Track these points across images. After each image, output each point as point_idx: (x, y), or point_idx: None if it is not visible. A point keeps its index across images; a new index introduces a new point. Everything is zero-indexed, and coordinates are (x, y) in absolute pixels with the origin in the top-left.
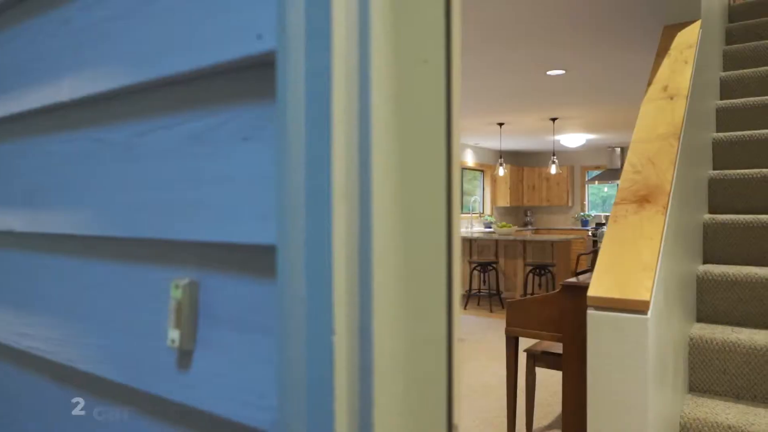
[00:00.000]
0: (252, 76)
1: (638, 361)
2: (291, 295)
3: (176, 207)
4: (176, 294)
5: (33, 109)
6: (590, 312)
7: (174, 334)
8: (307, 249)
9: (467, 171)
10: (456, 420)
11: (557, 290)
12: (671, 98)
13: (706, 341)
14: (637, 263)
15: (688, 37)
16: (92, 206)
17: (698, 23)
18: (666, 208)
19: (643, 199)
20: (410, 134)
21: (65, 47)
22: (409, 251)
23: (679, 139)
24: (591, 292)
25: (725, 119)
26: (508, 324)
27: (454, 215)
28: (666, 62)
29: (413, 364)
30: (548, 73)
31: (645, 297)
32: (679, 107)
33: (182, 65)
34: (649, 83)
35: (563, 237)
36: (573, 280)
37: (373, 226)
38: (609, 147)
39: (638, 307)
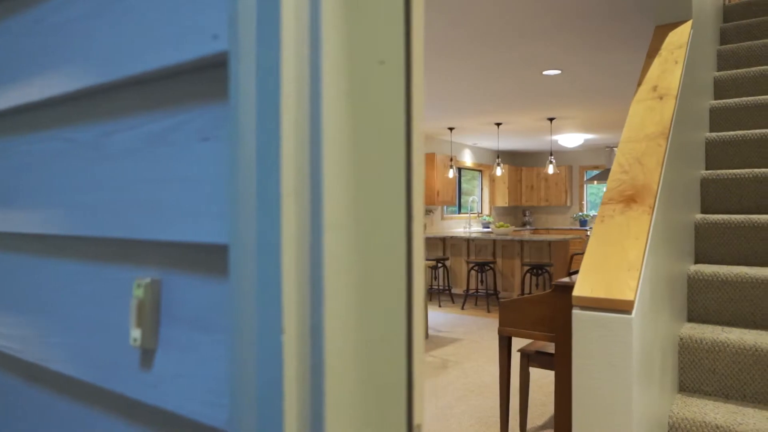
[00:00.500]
0: (210, 77)
1: (623, 360)
2: (242, 295)
3: (139, 207)
4: (138, 293)
5: (5, 109)
6: (575, 312)
7: (136, 333)
8: (257, 248)
9: (466, 171)
10: (418, 420)
11: (549, 290)
12: (660, 98)
13: (696, 341)
14: (622, 263)
15: (679, 37)
16: (61, 206)
17: (689, 23)
18: (652, 208)
19: (629, 199)
20: (366, 135)
21: (37, 47)
22: (364, 251)
23: (667, 139)
24: (576, 292)
25: (719, 119)
26: (501, 324)
27: (414, 215)
28: (656, 62)
29: (369, 363)
30: (544, 73)
31: (629, 297)
32: (668, 107)
33: (144, 65)
34: (639, 83)
35: (561, 237)
36: (565, 279)
37: (324, 226)
38: (607, 147)
39: (623, 307)
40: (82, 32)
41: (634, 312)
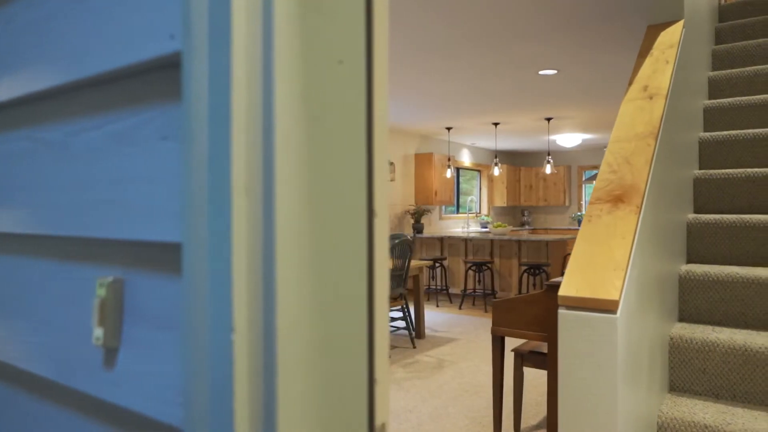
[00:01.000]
0: (169, 76)
1: (608, 360)
2: (194, 293)
3: (103, 206)
4: (101, 292)
5: None
6: (561, 311)
7: (98, 332)
8: (208, 246)
9: (464, 171)
10: (382, 419)
11: (542, 290)
12: (651, 98)
13: (686, 341)
14: (608, 263)
15: (671, 36)
16: (28, 205)
17: (681, 23)
18: (640, 208)
19: (617, 199)
20: (324, 134)
21: (7, 46)
22: (321, 250)
23: (656, 138)
24: (562, 292)
25: (713, 119)
26: (494, 324)
27: (377, 212)
28: (647, 62)
29: (327, 363)
30: (540, 72)
31: (614, 296)
32: (658, 107)
33: (106, 64)
34: (630, 83)
35: (558, 237)
36: (558, 279)
37: (276, 224)
38: (605, 147)
39: (608, 307)
40: (47, 32)
41: (619, 311)
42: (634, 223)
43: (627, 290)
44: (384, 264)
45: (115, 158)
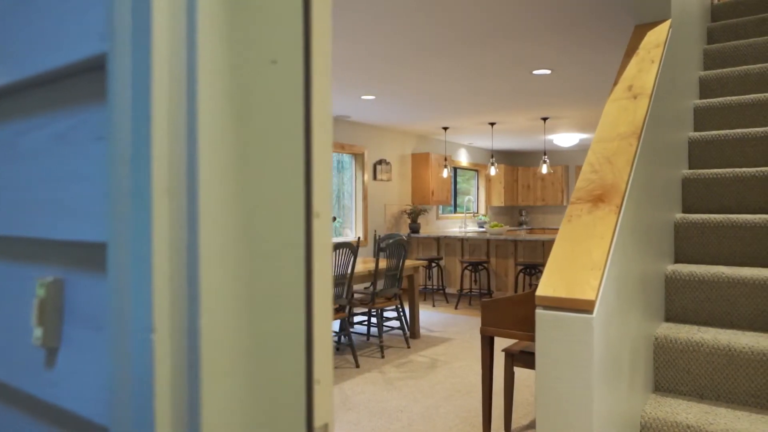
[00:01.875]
0: (102, 77)
1: (583, 360)
2: (117, 293)
3: (43, 206)
4: (40, 292)
5: None
6: (538, 311)
7: (38, 332)
8: (130, 246)
9: (462, 170)
10: (324, 420)
11: (530, 290)
12: (635, 97)
13: (671, 341)
14: (586, 263)
15: (657, 36)
16: None
17: (667, 23)
18: (620, 208)
19: (597, 199)
20: (255, 135)
21: None
22: (252, 251)
23: (639, 138)
24: (539, 292)
25: (704, 119)
26: (483, 324)
27: (317, 213)
28: (633, 61)
29: (258, 363)
30: (534, 72)
31: (590, 296)
32: (642, 106)
33: (44, 66)
34: (615, 82)
35: (555, 237)
36: None
37: (200, 225)
38: None
39: (584, 307)
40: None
41: (595, 311)
42: (614, 222)
43: (605, 290)
44: (325, 265)
45: (56, 158)
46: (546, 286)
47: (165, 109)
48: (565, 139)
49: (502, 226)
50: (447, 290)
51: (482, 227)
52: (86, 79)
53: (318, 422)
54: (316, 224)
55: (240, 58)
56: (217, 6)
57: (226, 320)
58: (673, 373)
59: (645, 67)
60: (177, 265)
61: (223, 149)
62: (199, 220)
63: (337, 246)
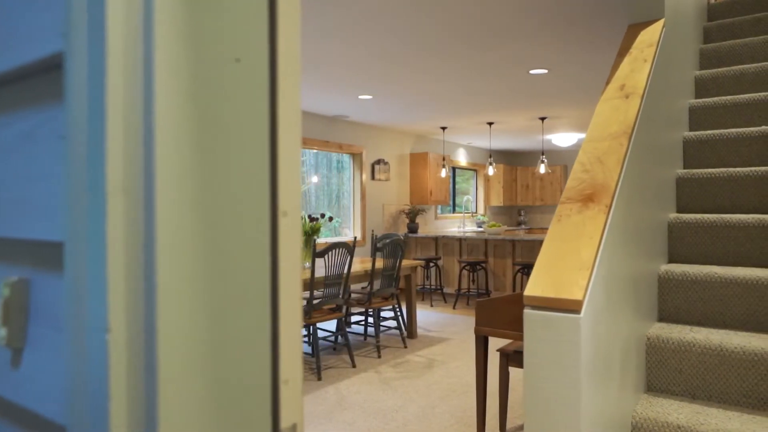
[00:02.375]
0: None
1: (571, 360)
2: (74, 293)
3: (10, 205)
4: (5, 292)
5: None
6: (526, 311)
7: (2, 332)
8: (86, 246)
9: (461, 170)
10: (290, 421)
11: (524, 290)
12: (627, 97)
13: (663, 341)
14: (574, 262)
15: (650, 35)
16: None
17: (661, 22)
18: (609, 207)
19: (587, 198)
20: (217, 134)
21: None
22: (213, 250)
23: (630, 137)
24: (527, 292)
25: (699, 118)
26: (477, 323)
27: (285, 211)
28: (626, 61)
29: (220, 364)
30: (531, 72)
31: (578, 296)
32: (633, 106)
33: (5, 64)
34: (608, 82)
35: None
36: None
37: (157, 224)
38: None
39: (571, 307)
40: None
41: (583, 311)
42: (603, 222)
43: (593, 290)
44: (292, 264)
45: (22, 157)
46: (534, 286)
47: (120, 108)
48: (564, 138)
49: (500, 226)
50: (445, 290)
51: (481, 227)
52: (48, 77)
53: (285, 423)
54: (283, 222)
55: (201, 56)
56: (176, 4)
57: (186, 319)
58: (665, 373)
59: (637, 66)
60: (133, 265)
61: (182, 148)
62: (156, 218)
63: (333, 246)
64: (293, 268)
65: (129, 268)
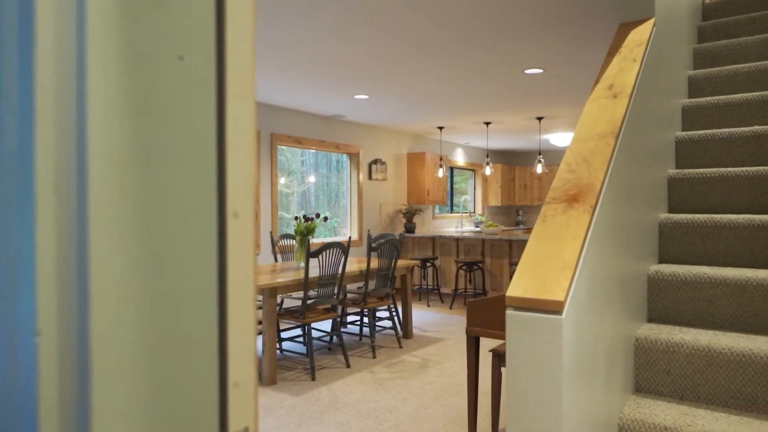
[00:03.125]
0: None
1: (553, 361)
2: (4, 296)
3: None
4: None
5: None
6: (508, 312)
7: None
8: (16, 248)
9: (459, 170)
10: (240, 425)
11: None
12: (615, 96)
13: (651, 342)
14: (558, 263)
15: (640, 35)
16: None
17: (651, 21)
18: (594, 207)
19: (572, 199)
20: (157, 133)
21: None
22: (152, 251)
23: (617, 137)
24: (509, 292)
25: (692, 118)
26: (468, 324)
27: (234, 212)
28: (615, 60)
29: (161, 367)
30: (526, 72)
31: (559, 297)
32: (621, 106)
33: None
34: (597, 81)
35: None
36: None
37: (90, 225)
38: None
39: (553, 308)
40: None
41: (564, 313)
42: (587, 222)
43: (576, 290)
44: (244, 265)
45: None
46: (516, 287)
47: (51, 107)
48: (561, 138)
49: (497, 226)
50: (442, 290)
51: (478, 227)
52: None
53: (235, 426)
54: (233, 224)
55: (140, 53)
56: (112, 2)
57: (121, 322)
58: (654, 374)
59: (626, 65)
60: (65, 266)
61: (118, 147)
62: (89, 219)
63: (328, 246)
64: (245, 269)
65: (60, 270)
